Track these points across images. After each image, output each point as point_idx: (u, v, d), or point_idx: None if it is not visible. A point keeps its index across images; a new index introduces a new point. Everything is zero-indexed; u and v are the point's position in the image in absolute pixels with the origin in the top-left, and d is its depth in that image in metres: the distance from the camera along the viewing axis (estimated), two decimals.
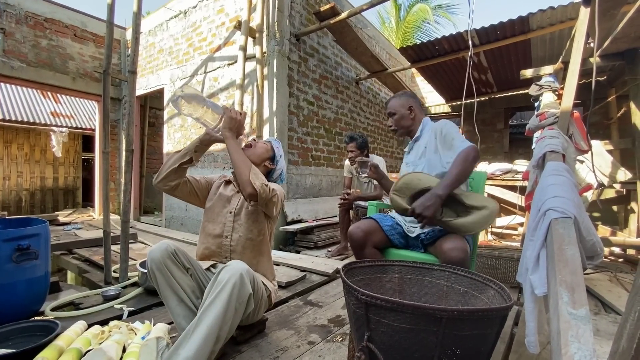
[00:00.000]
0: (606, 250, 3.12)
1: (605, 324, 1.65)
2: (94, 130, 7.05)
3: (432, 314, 0.70)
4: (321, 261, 2.78)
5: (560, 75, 2.93)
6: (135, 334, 1.43)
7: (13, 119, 6.81)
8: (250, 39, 3.60)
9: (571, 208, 1.03)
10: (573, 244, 0.88)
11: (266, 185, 1.31)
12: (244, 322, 1.34)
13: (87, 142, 8.79)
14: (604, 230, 3.46)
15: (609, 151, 3.33)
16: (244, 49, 3.45)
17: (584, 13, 1.96)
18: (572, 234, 0.93)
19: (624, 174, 3.06)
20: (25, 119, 6.99)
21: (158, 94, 5.41)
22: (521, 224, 3.96)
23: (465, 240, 1.34)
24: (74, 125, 7.77)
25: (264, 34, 3.62)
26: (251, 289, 1.17)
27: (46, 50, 4.92)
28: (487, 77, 5.41)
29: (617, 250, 3.29)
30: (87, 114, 8.38)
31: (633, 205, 3.23)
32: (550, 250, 0.93)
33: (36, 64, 4.80)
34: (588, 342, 0.56)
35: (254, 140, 1.60)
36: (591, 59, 2.67)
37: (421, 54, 4.39)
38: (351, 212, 3.20)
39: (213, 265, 1.47)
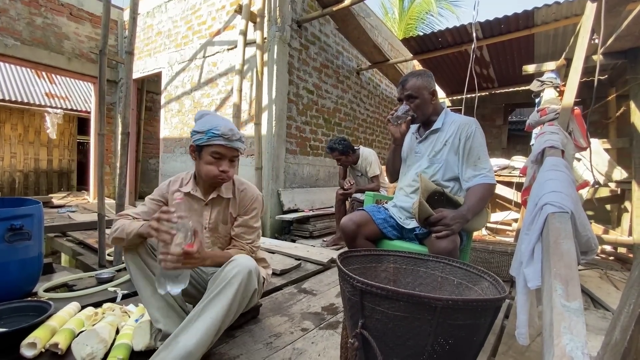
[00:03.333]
0: (598, 248, 3.16)
1: (594, 319, 1.68)
2: (89, 112, 6.95)
3: (427, 303, 0.70)
4: (316, 250, 2.79)
5: (563, 72, 2.92)
6: (129, 317, 1.43)
7: (7, 98, 6.68)
8: (250, 24, 3.53)
9: (568, 203, 1.03)
10: (569, 238, 0.88)
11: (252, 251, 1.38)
12: None
13: (82, 125, 8.67)
14: (596, 229, 3.49)
15: (606, 150, 3.35)
16: (244, 33, 3.39)
17: (590, 8, 1.93)
18: (568, 228, 0.94)
19: (619, 173, 3.08)
20: (19, 99, 6.85)
21: (155, 78, 5.32)
22: (515, 220, 3.99)
23: (457, 234, 1.34)
24: (69, 107, 7.64)
25: (265, 19, 3.56)
26: (257, 284, 1.17)
27: (41, 28, 4.80)
28: (488, 72, 5.38)
29: (608, 248, 3.34)
30: (83, 95, 8.24)
31: (627, 204, 3.26)
32: (545, 244, 0.93)
33: (31, 43, 4.69)
34: (580, 333, 0.57)
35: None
36: (594, 57, 2.65)
37: (424, 46, 4.34)
38: (347, 202, 3.21)
39: None
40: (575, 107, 1.97)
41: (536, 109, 2.35)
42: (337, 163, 3.19)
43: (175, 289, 1.06)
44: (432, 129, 1.52)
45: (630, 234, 3.15)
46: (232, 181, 1.41)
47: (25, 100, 6.95)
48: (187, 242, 1.03)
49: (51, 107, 7.20)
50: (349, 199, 3.17)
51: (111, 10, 2.32)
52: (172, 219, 1.01)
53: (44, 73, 7.62)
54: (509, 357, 1.33)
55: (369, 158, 3.10)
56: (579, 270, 2.50)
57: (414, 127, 1.66)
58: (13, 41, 4.50)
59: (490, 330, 0.80)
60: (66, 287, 1.86)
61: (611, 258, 3.14)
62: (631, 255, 3.04)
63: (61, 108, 7.33)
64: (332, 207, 3.72)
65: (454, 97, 6.47)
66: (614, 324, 0.53)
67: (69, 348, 1.17)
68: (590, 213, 4.38)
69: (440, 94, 6.46)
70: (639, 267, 0.50)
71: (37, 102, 7.14)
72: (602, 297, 2.01)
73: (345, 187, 3.03)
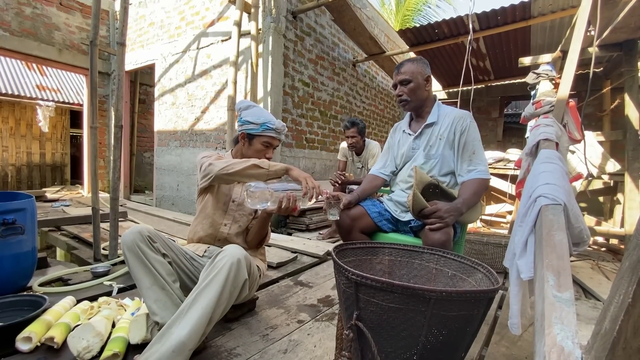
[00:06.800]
0: (590, 239, 3.20)
1: (585, 309, 1.71)
2: (81, 105, 6.83)
3: (421, 295, 0.70)
4: (312, 243, 2.80)
5: (558, 64, 2.91)
6: (125, 310, 1.43)
7: None
8: (245, 15, 3.47)
9: (561, 195, 1.04)
10: (562, 230, 0.89)
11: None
12: (235, 301, 1.34)
13: (75, 118, 8.55)
14: (589, 220, 3.54)
15: (600, 142, 3.37)
16: (238, 24, 3.34)
17: None
18: (561, 220, 0.94)
19: (613, 166, 3.11)
20: (10, 92, 6.71)
21: (149, 70, 5.24)
22: (510, 212, 4.03)
23: (451, 226, 1.35)
24: (61, 100, 7.51)
25: (260, 9, 3.50)
26: (247, 274, 1.18)
27: (30, 19, 4.69)
28: (484, 64, 5.37)
29: (600, 239, 3.39)
30: (75, 88, 8.10)
31: (619, 196, 3.30)
32: (538, 235, 0.94)
33: (20, 34, 4.58)
34: (571, 323, 0.58)
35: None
36: (590, 49, 2.65)
37: (420, 38, 4.31)
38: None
39: (207, 249, 1.47)
40: (570, 100, 1.97)
41: (531, 101, 2.35)
42: (347, 141, 3.16)
43: (261, 205, 1.25)
44: (427, 122, 1.52)
45: (622, 225, 3.19)
46: None
47: (16, 93, 6.81)
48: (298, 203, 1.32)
49: (42, 99, 7.07)
50: (346, 191, 3.17)
51: (102, 0, 2.27)
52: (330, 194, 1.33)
53: (34, 65, 7.46)
54: (501, 347, 1.35)
55: (373, 150, 3.12)
56: (572, 261, 2.54)
57: (404, 124, 1.64)
58: (2, 32, 4.40)
59: (484, 321, 0.81)
60: (61, 281, 1.85)
61: (603, 249, 3.19)
62: (622, 247, 3.09)
63: (53, 101, 7.20)
64: None
65: (450, 90, 6.46)
66: (604, 313, 0.53)
67: (64, 342, 1.17)
68: (583, 205, 4.43)
69: (437, 86, 6.43)
70: (629, 258, 0.51)
71: (28, 95, 6.99)
72: (593, 287, 2.04)
73: (335, 180, 3.03)
